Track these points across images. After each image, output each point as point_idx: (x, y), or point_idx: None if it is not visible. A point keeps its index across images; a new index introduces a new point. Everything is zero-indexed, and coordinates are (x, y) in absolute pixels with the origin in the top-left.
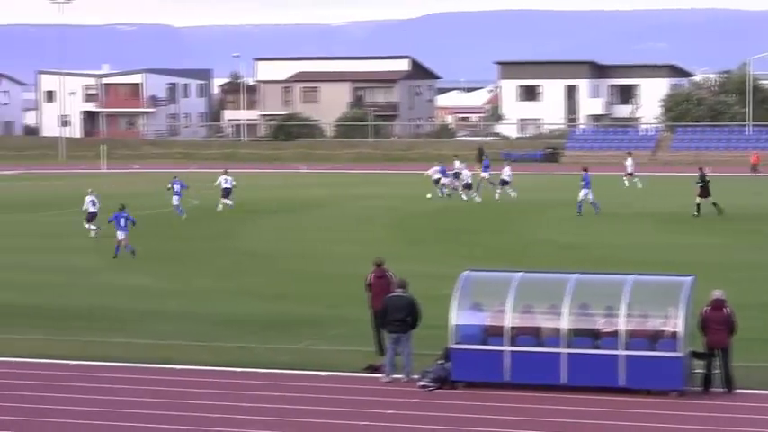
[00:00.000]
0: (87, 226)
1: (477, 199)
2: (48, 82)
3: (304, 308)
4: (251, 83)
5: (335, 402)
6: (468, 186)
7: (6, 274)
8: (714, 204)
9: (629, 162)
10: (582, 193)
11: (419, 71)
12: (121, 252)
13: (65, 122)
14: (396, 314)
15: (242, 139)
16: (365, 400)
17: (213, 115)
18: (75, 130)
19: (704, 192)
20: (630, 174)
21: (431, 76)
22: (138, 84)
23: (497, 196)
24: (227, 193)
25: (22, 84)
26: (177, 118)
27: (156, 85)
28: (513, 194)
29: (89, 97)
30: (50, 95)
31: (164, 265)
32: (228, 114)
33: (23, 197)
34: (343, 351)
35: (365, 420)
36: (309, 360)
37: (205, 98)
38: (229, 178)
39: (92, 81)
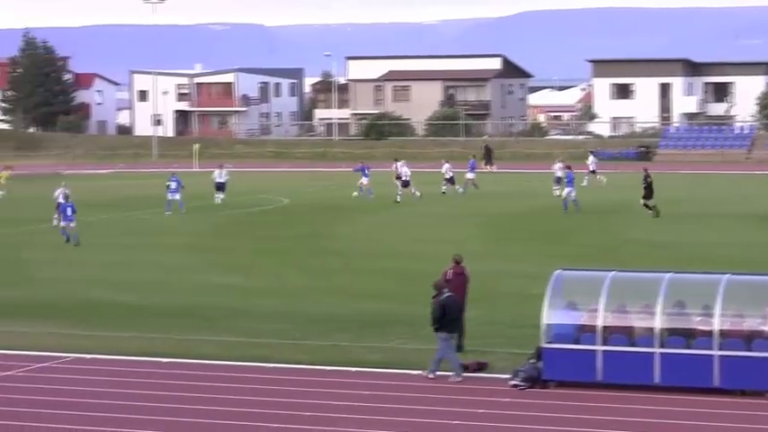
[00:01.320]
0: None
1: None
2: (141, 81)
3: (396, 306)
4: (342, 82)
5: (426, 401)
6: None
7: (101, 272)
8: None
9: (590, 159)
10: (566, 190)
11: (511, 69)
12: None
13: (157, 122)
14: (453, 314)
15: (333, 137)
16: (456, 399)
17: (305, 114)
18: (168, 129)
19: None
20: (593, 171)
21: (523, 74)
22: (230, 83)
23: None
24: (220, 186)
25: (116, 83)
26: (269, 117)
27: (247, 85)
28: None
29: (181, 97)
30: (143, 95)
31: (257, 263)
32: (320, 113)
33: (117, 196)
34: (435, 350)
35: (456, 419)
36: (401, 359)
37: (297, 97)
38: (224, 172)
39: (184, 80)
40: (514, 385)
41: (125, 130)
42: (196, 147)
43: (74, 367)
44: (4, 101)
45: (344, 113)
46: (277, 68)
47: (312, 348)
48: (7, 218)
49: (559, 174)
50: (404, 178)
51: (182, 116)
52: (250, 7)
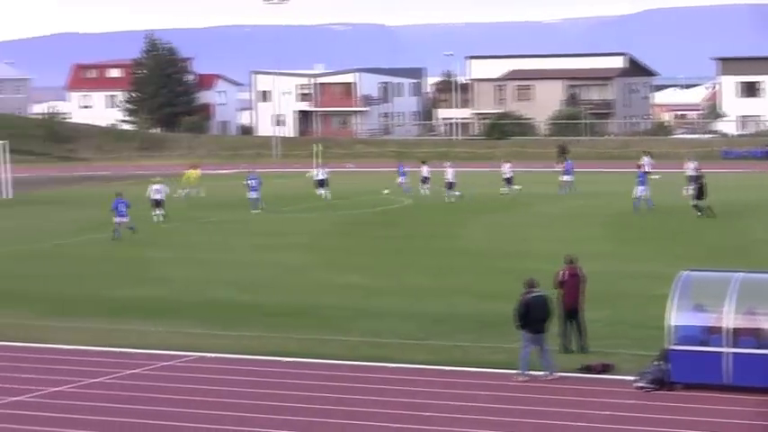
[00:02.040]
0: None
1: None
2: (262, 82)
3: None
4: (464, 81)
5: (549, 402)
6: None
7: (224, 271)
8: None
9: (645, 160)
10: (639, 189)
11: (635, 68)
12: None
13: (279, 122)
14: (539, 314)
15: (455, 137)
16: (580, 401)
17: (426, 114)
18: (289, 129)
19: None
20: (648, 172)
21: (647, 72)
22: (351, 83)
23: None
24: (321, 183)
25: (238, 84)
26: (390, 117)
27: (369, 85)
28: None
29: (303, 97)
30: (265, 95)
31: (378, 263)
32: (441, 113)
33: (238, 196)
34: (557, 351)
35: (581, 421)
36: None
37: (418, 97)
38: (324, 171)
39: (306, 81)
40: (640, 387)
41: (247, 131)
42: (318, 147)
43: (196, 366)
44: (128, 102)
45: (466, 113)
46: (398, 68)
47: (434, 348)
48: (133, 217)
49: (690, 173)
50: (449, 179)
51: (303, 116)
52: (371, 7)
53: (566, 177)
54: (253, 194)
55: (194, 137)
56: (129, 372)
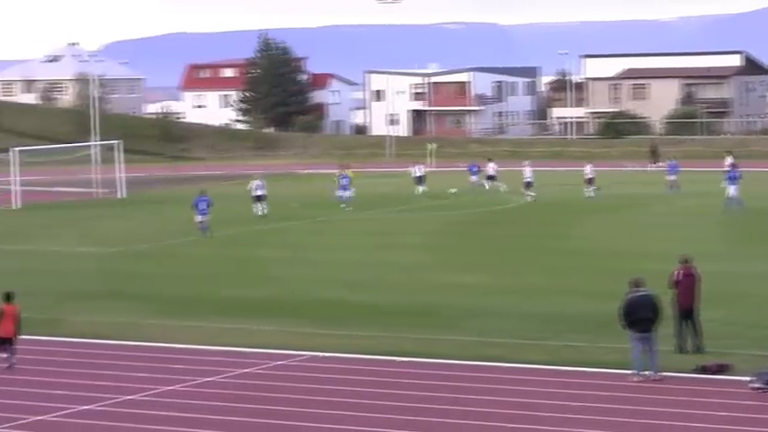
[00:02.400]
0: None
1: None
2: (376, 81)
3: None
4: (578, 80)
5: (663, 403)
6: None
7: (336, 271)
8: None
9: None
10: (731, 189)
11: (752, 66)
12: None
13: (393, 121)
14: (644, 313)
15: (569, 136)
16: (694, 402)
17: (540, 113)
18: (403, 128)
19: None
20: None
21: (764, 71)
22: (465, 82)
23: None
24: (419, 180)
25: (352, 83)
26: (504, 116)
27: (483, 84)
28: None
29: (416, 96)
30: (379, 95)
31: (493, 262)
32: (556, 112)
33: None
34: (672, 351)
35: (696, 422)
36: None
37: (532, 96)
38: (421, 168)
39: (419, 80)
40: (756, 388)
41: (360, 130)
42: (432, 146)
43: (310, 365)
44: (241, 101)
45: (580, 112)
46: (512, 67)
47: (549, 348)
48: (246, 217)
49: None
50: (491, 173)
51: (417, 115)
52: (485, 6)
53: (671, 177)
54: (343, 192)
55: (308, 136)
56: (241, 371)
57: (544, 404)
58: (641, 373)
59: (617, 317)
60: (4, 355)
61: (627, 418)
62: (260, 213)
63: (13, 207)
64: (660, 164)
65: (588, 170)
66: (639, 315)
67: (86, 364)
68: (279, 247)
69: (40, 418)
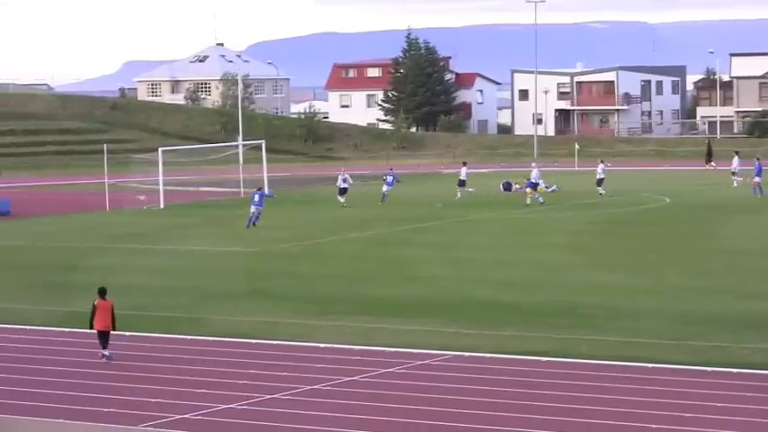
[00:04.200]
0: (339, 198)
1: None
2: (521, 81)
3: None
4: (726, 79)
5: None
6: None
7: (481, 271)
8: None
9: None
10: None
11: None
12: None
13: (538, 121)
14: None
15: (716, 135)
16: None
17: (687, 112)
18: (549, 128)
19: None
20: (734, 173)
21: None
22: (611, 81)
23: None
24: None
25: (497, 83)
26: (650, 115)
27: (629, 83)
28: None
29: (562, 95)
30: (524, 94)
31: (638, 262)
32: (703, 111)
33: (494, 195)
34: None
35: None
36: None
37: (679, 95)
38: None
39: (565, 79)
40: None
41: (505, 130)
42: (576, 146)
43: (453, 365)
44: (386, 101)
45: (728, 111)
46: (659, 66)
47: (693, 349)
48: (386, 216)
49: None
50: (462, 177)
51: (562, 115)
52: (633, 5)
53: (756, 179)
54: (387, 189)
55: (452, 136)
56: (384, 370)
57: (687, 404)
58: None
59: None
60: (106, 353)
61: (765, 419)
62: (343, 204)
63: (160, 207)
64: (713, 164)
65: (600, 170)
66: None
67: (228, 363)
68: (422, 246)
69: (181, 416)
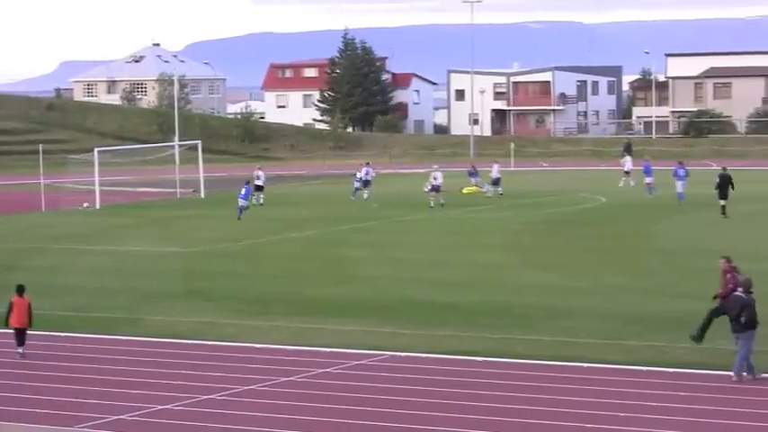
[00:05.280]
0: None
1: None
2: (458, 81)
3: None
4: (661, 79)
5: (747, 403)
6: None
7: (417, 271)
8: None
9: (626, 159)
10: (678, 185)
11: None
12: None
13: (475, 121)
14: (731, 314)
15: (652, 136)
16: None
17: (623, 112)
18: (485, 128)
19: None
20: (627, 172)
21: None
22: (547, 81)
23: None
24: (366, 184)
25: (433, 83)
26: (586, 115)
27: (565, 83)
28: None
29: (498, 95)
30: (461, 94)
31: (574, 262)
32: (638, 111)
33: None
34: (761, 352)
35: None
36: (721, 360)
37: (615, 95)
38: (371, 170)
39: (502, 80)
40: None
41: (442, 130)
42: (512, 145)
43: (389, 365)
44: (323, 101)
45: (663, 111)
46: (595, 66)
47: (629, 348)
48: (325, 217)
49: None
50: (435, 183)
51: (498, 115)
52: (569, 5)
53: (647, 179)
54: (357, 184)
55: (389, 136)
56: (320, 370)
57: (622, 404)
58: (738, 373)
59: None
60: (21, 350)
61: (706, 418)
62: (255, 202)
63: (96, 207)
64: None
65: (495, 170)
66: (729, 315)
67: (166, 364)
68: (361, 246)
69: (117, 417)
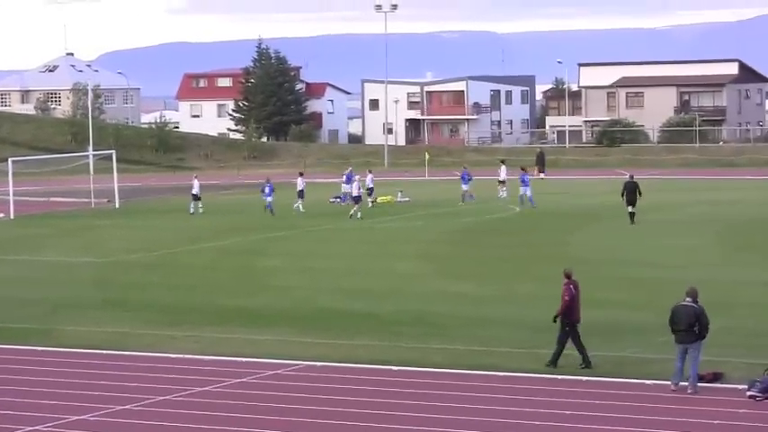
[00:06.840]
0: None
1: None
2: (372, 90)
3: (630, 315)
4: (574, 89)
5: (660, 411)
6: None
7: (332, 280)
8: None
9: (502, 169)
10: (521, 189)
11: (748, 74)
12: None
13: (389, 130)
14: (681, 323)
15: (565, 145)
16: (690, 410)
17: (536, 121)
18: (399, 137)
19: None
20: (503, 181)
21: (761, 79)
22: (461, 91)
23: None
24: (370, 191)
25: (347, 93)
26: (500, 125)
27: (479, 92)
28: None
29: (412, 105)
30: (375, 104)
31: (489, 271)
32: (551, 120)
33: (344, 205)
34: (671, 359)
35: (692, 430)
36: (634, 368)
37: (528, 104)
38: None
39: (415, 89)
40: (751, 396)
41: (356, 139)
42: (427, 155)
43: (304, 374)
44: (237, 111)
45: (577, 120)
46: (508, 76)
47: (544, 357)
48: (241, 226)
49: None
50: (368, 186)
51: (413, 124)
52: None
53: (523, 189)
54: (269, 199)
55: (304, 146)
56: (236, 380)
57: (537, 413)
58: (678, 383)
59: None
60: None
61: (621, 426)
62: (191, 212)
63: (10, 217)
64: (543, 174)
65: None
66: (678, 326)
67: (80, 374)
68: (277, 255)
69: (29, 428)
